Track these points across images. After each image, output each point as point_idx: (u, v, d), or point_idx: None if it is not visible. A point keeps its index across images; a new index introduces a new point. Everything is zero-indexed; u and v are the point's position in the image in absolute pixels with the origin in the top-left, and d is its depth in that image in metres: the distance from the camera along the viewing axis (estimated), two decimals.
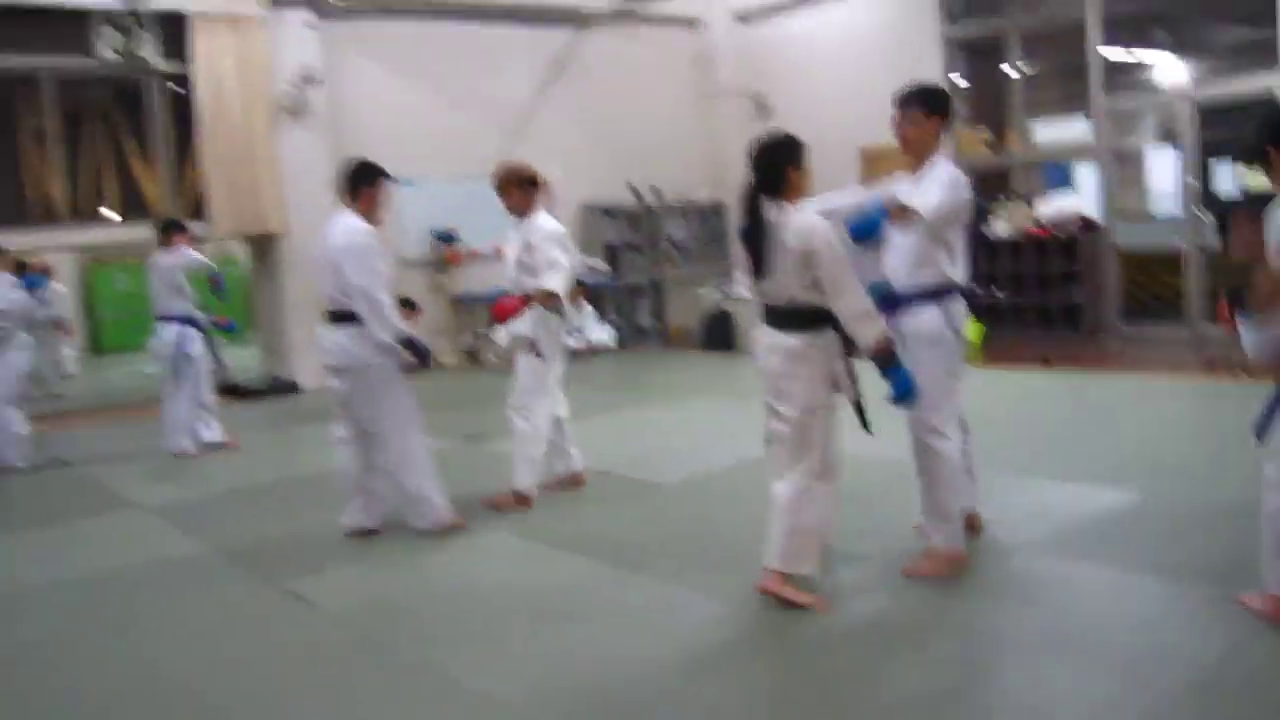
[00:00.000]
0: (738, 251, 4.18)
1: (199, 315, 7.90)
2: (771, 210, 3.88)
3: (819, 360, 3.89)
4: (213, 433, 7.99)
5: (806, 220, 3.82)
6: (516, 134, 12.63)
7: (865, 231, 3.95)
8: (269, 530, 5.67)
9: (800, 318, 3.88)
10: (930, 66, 11.90)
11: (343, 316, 5.09)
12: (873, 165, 12.46)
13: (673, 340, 13.30)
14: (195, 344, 7.82)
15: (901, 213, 3.97)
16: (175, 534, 5.75)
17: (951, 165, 4.20)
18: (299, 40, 10.84)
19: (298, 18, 10.86)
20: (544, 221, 5.59)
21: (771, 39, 13.69)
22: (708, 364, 11.09)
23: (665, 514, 5.49)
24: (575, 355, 11.66)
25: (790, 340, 3.89)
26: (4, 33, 9.60)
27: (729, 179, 13.97)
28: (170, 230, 7.96)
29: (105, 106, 12.28)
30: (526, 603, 4.34)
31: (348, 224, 5.14)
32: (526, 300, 5.44)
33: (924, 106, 4.21)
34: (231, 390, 10.38)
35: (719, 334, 11.79)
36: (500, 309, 5.42)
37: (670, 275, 13.70)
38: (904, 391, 3.86)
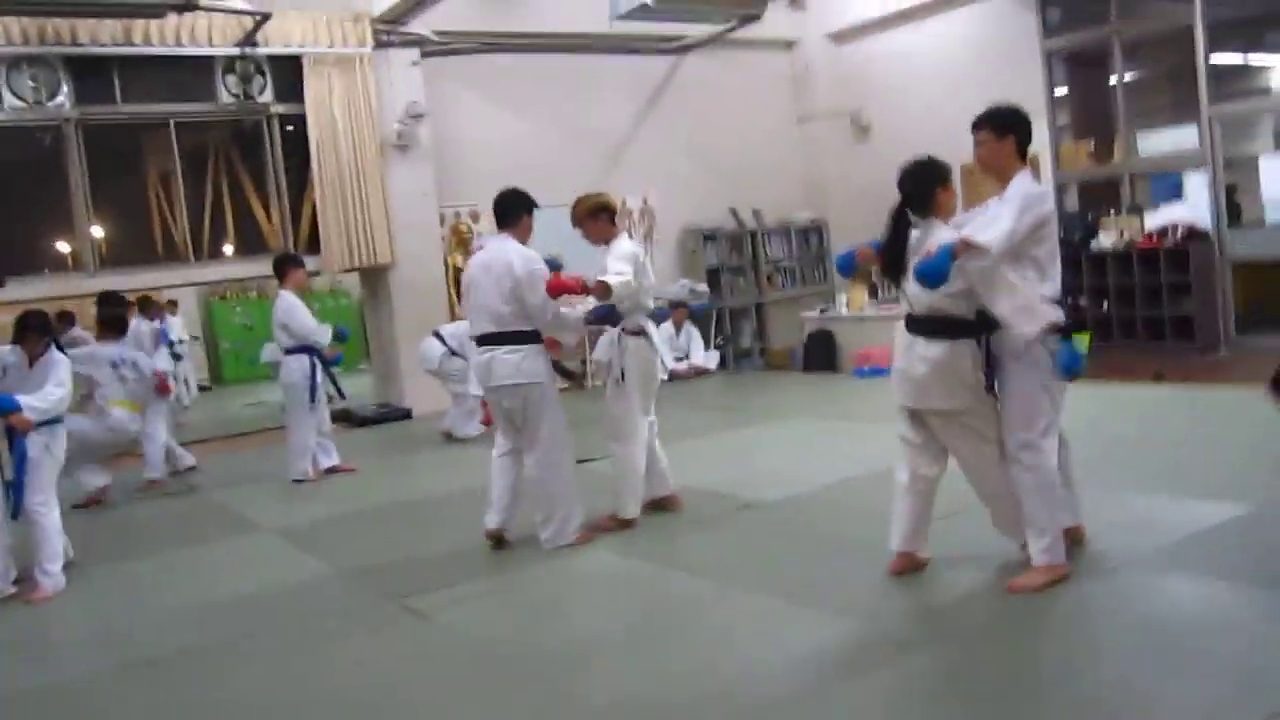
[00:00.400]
0: (878, 265, 4.51)
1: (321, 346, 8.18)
2: (920, 226, 4.28)
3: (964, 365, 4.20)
4: (331, 458, 8.29)
5: (952, 236, 4.11)
6: (617, 161, 12.86)
7: (932, 274, 4.07)
8: (386, 550, 5.89)
9: (940, 326, 4.21)
10: (1031, 80, 11.79)
11: (513, 337, 5.40)
12: (974, 184, 12.36)
13: (774, 361, 13.33)
14: (318, 373, 8.11)
15: (967, 248, 4.03)
16: (301, 555, 6.02)
17: (1028, 182, 4.23)
18: (405, 77, 11.21)
19: (404, 56, 11.24)
20: (620, 243, 5.71)
21: (867, 58, 13.69)
22: (808, 384, 11.09)
23: (769, 532, 5.55)
24: (678, 378, 11.90)
25: (934, 348, 4.22)
26: (134, 80, 10.13)
27: (828, 199, 14.03)
28: (284, 265, 8.26)
29: (224, 148, 12.81)
30: (640, 619, 4.47)
31: (518, 250, 5.44)
32: (584, 288, 5.46)
33: (994, 128, 4.30)
34: (346, 417, 10.74)
35: (820, 354, 11.77)
36: (554, 285, 5.39)
37: (771, 297, 13.75)
38: (1068, 364, 4.13)
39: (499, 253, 5.48)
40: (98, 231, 10.96)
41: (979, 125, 4.35)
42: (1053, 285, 4.24)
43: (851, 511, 5.72)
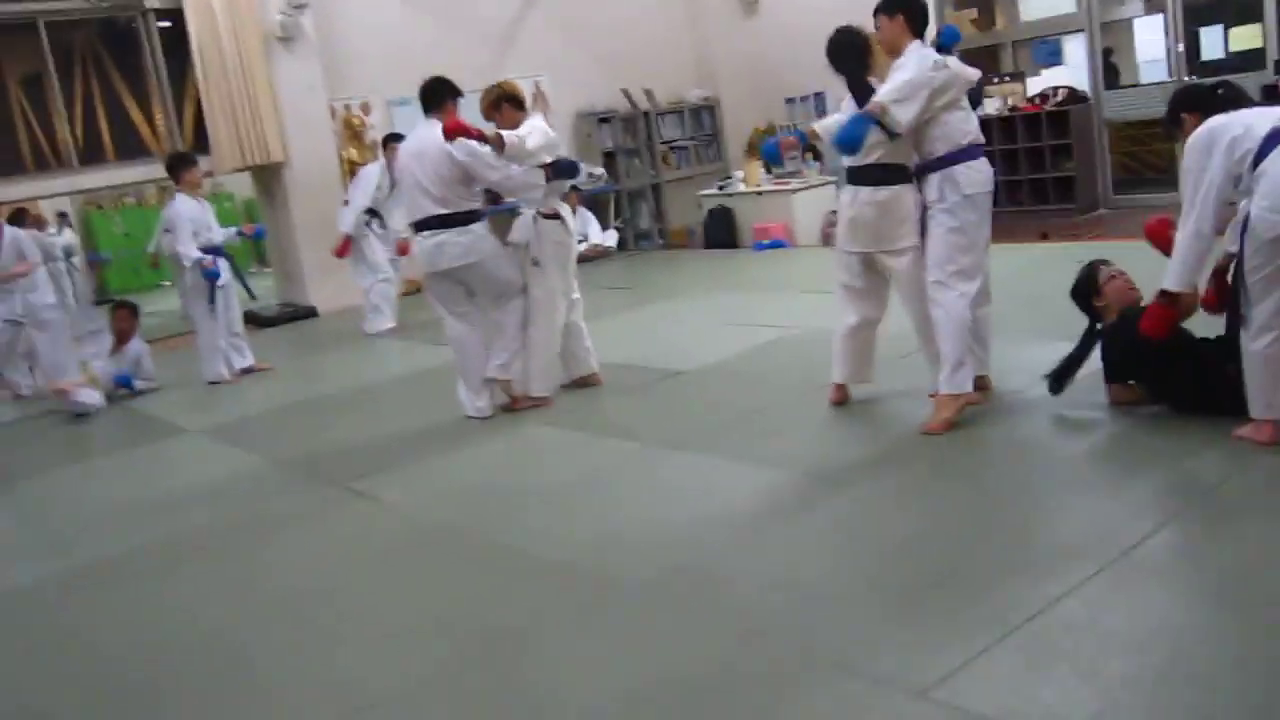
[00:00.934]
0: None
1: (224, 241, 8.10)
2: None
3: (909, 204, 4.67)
4: (246, 359, 8.26)
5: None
6: (506, 47, 12.69)
7: (847, 142, 4.47)
8: (320, 442, 5.98)
9: (884, 173, 4.63)
10: None
11: (459, 219, 5.61)
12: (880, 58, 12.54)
13: (674, 240, 13.50)
14: (225, 274, 8.03)
15: (882, 111, 4.40)
16: (234, 450, 6.07)
17: (917, 48, 4.56)
18: None
19: None
20: (531, 121, 5.72)
21: None
22: (710, 260, 11.31)
23: (694, 398, 5.79)
24: (580, 259, 12.00)
25: (881, 193, 4.65)
26: None
27: (719, 77, 14.07)
28: (179, 167, 8.04)
29: (94, 48, 12.27)
30: (580, 482, 4.67)
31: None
32: (483, 136, 5.36)
33: (885, 9, 4.61)
34: (251, 319, 10.61)
35: (719, 231, 11.97)
36: (452, 125, 5.32)
37: (667, 176, 13.84)
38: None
39: (430, 139, 5.52)
40: None
41: (875, 10, 4.67)
42: (968, 133, 4.67)
43: (769, 374, 5.99)
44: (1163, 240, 4.12)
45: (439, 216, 5.59)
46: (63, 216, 14.03)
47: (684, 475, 4.55)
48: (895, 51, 4.59)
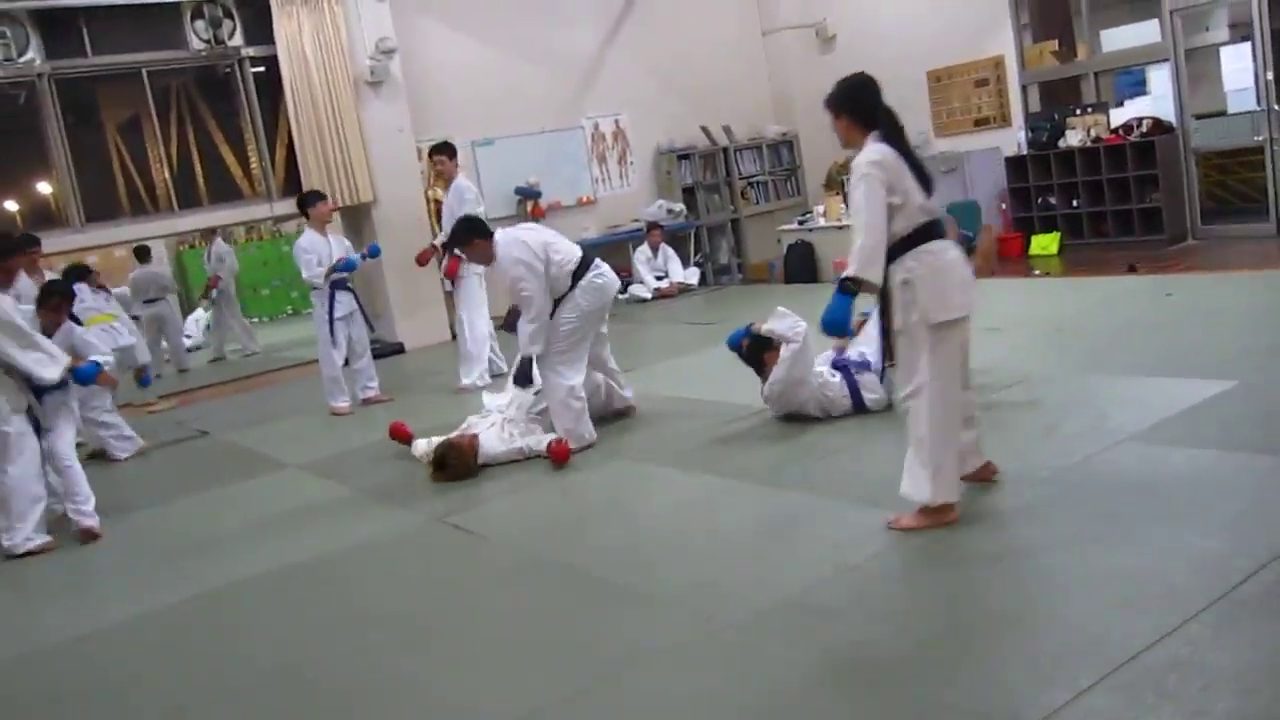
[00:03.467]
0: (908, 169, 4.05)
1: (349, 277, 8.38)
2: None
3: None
4: (370, 390, 8.59)
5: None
6: (587, 85, 12.94)
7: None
8: (416, 476, 6.13)
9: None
10: None
11: None
12: (941, 89, 12.56)
13: (754, 275, 13.56)
14: (348, 305, 8.35)
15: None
16: (331, 484, 6.26)
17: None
18: (373, 12, 11.19)
19: None
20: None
21: None
22: (791, 295, 11.30)
23: (777, 435, 5.82)
24: (662, 296, 12.14)
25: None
26: (103, 31, 10.10)
27: (796, 112, 14.16)
28: (308, 202, 8.38)
29: (190, 94, 12.74)
30: (672, 518, 4.73)
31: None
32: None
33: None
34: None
35: (800, 265, 12.01)
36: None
37: (746, 212, 13.94)
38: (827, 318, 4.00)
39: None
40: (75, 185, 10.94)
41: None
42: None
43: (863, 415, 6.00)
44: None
45: None
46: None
47: (786, 513, 4.59)
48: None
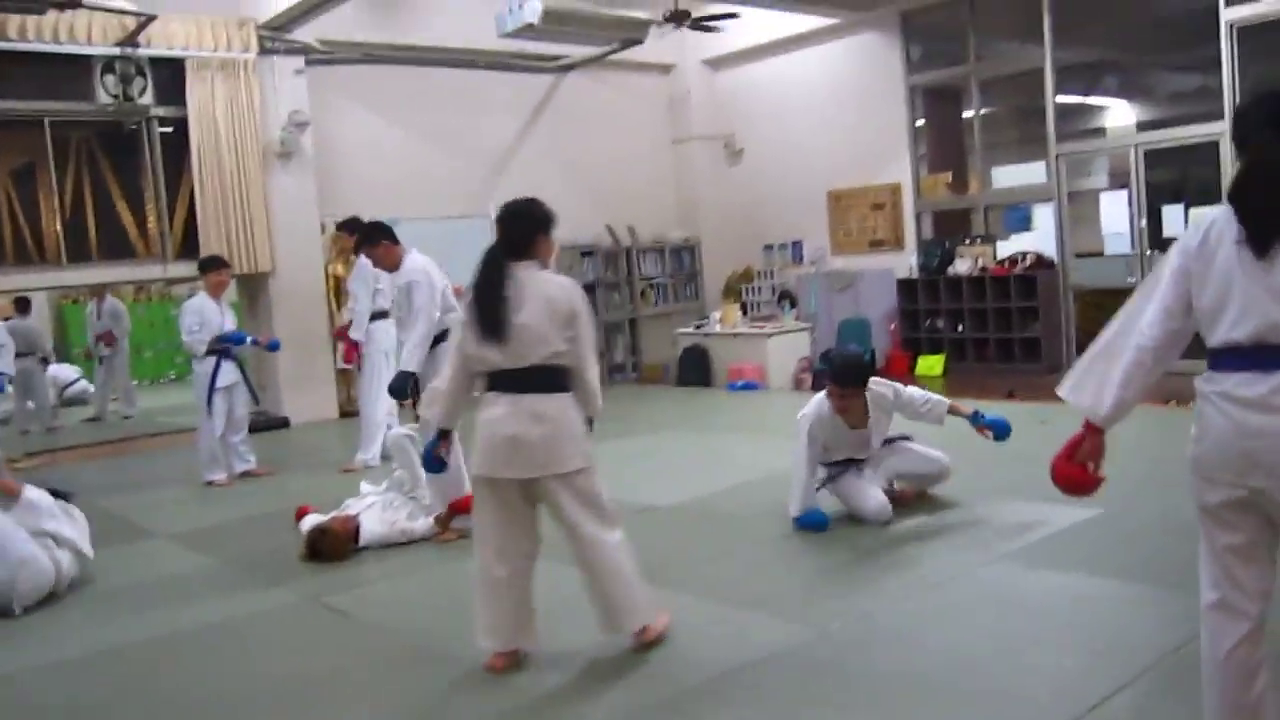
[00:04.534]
0: (470, 314, 3.91)
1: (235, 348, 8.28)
2: (521, 270, 3.84)
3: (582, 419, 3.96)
4: (247, 462, 8.40)
5: (566, 280, 3.94)
6: (497, 176, 13.06)
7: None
8: (285, 549, 5.97)
9: (558, 377, 3.85)
10: (895, 112, 12.50)
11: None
12: (840, 209, 13.02)
13: (648, 375, 13.69)
14: (232, 375, 8.21)
15: None
16: (201, 558, 6.05)
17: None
18: (289, 85, 11.20)
19: (288, 63, 11.23)
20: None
21: (741, 84, 14.25)
22: (684, 397, 11.48)
23: (671, 534, 5.85)
24: None
25: (553, 400, 3.83)
26: (7, 75, 9.91)
27: (700, 219, 14.51)
28: (208, 268, 8.33)
29: (91, 149, 12.50)
30: (554, 612, 4.69)
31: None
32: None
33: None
34: None
35: (694, 369, 12.19)
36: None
37: (645, 312, 14.12)
38: None
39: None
40: None
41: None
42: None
43: (747, 513, 6.07)
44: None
45: None
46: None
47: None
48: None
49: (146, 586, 5.58)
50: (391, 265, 6.39)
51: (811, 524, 5.47)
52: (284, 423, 11.03)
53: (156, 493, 8.24)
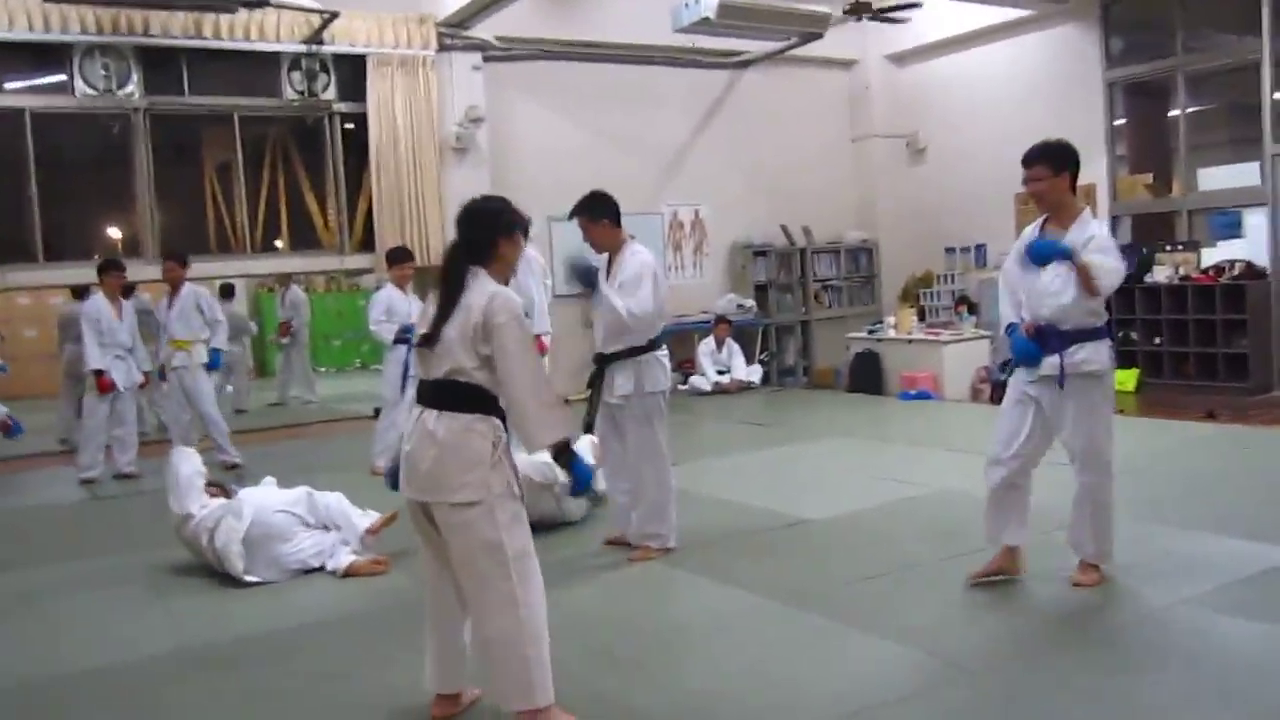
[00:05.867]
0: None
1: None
2: (472, 278, 3.42)
3: (488, 445, 3.35)
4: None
5: (500, 290, 3.39)
6: (671, 173, 12.93)
7: (1046, 256, 4.37)
8: None
9: (462, 396, 3.36)
10: (1091, 110, 11.74)
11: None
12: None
13: (818, 380, 13.31)
14: (411, 365, 8.30)
15: (1085, 276, 4.30)
16: None
17: (1105, 228, 4.56)
18: (466, 81, 11.32)
19: (466, 60, 11.35)
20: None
21: (925, 80, 13.69)
22: (853, 404, 11.07)
23: (819, 551, 5.53)
24: (722, 391, 11.91)
25: (450, 420, 3.34)
26: (202, 72, 10.36)
27: (878, 220, 14.02)
28: (393, 260, 8.46)
29: (283, 143, 12.97)
30: (688, 629, 4.47)
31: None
32: None
33: (1050, 163, 4.47)
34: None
35: (865, 375, 11.74)
36: None
37: (818, 315, 13.74)
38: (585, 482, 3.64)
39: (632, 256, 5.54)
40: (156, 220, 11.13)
41: (1033, 160, 4.51)
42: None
43: (902, 532, 5.71)
44: None
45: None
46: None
47: (798, 637, 4.30)
48: (1055, 209, 4.55)
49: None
50: (615, 245, 5.53)
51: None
52: None
53: (321, 478, 8.34)
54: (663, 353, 5.54)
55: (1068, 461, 4.61)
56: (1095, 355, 4.45)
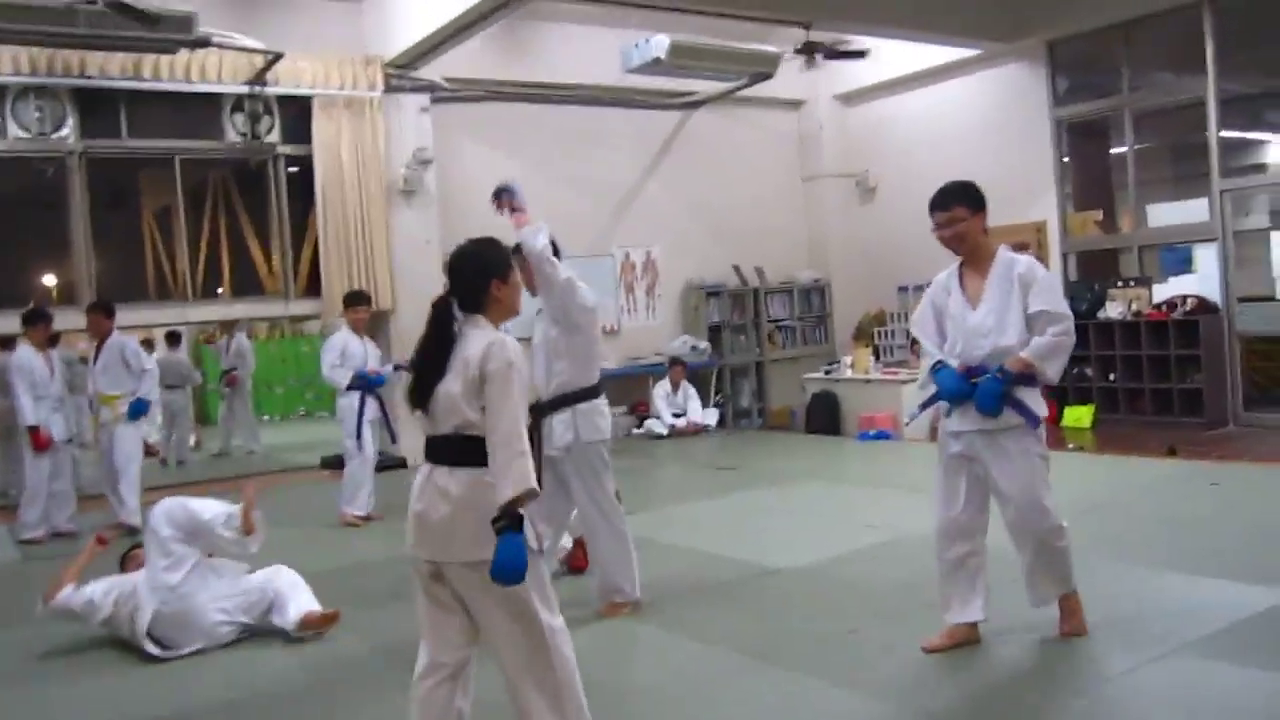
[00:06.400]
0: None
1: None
2: (468, 327, 3.28)
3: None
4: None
5: (497, 338, 3.23)
6: (622, 214, 12.80)
7: (996, 400, 4.20)
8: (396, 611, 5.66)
9: (473, 450, 3.17)
10: (1040, 147, 11.82)
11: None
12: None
13: (774, 421, 13.17)
14: (366, 411, 8.17)
15: (1042, 372, 4.20)
16: None
17: (1031, 261, 4.39)
18: (414, 123, 11.14)
19: (414, 101, 11.17)
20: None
21: (875, 120, 13.73)
22: (812, 446, 10.93)
23: (794, 602, 5.33)
24: (677, 434, 11.73)
25: (462, 475, 3.19)
26: (141, 114, 10.07)
27: (831, 260, 13.99)
28: (351, 303, 8.35)
29: (225, 187, 12.70)
30: (661, 689, 4.25)
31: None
32: None
33: (969, 203, 4.35)
34: (337, 464, 10.50)
35: (822, 416, 11.62)
36: None
37: (772, 355, 13.63)
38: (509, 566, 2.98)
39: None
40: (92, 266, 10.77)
41: (951, 201, 4.37)
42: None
43: (873, 581, 5.54)
44: None
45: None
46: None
47: (773, 694, 4.09)
48: (973, 250, 4.38)
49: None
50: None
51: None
52: (402, 463, 10.84)
53: (272, 532, 8.05)
54: (602, 400, 5.31)
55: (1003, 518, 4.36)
56: (1029, 401, 4.26)
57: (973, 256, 4.38)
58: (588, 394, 5.22)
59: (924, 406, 4.55)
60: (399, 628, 5.09)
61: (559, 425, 5.18)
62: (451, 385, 3.19)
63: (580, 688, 3.22)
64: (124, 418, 8.27)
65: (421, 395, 3.24)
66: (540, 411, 5.14)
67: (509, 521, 2.99)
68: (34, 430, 8.08)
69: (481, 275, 3.31)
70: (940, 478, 4.44)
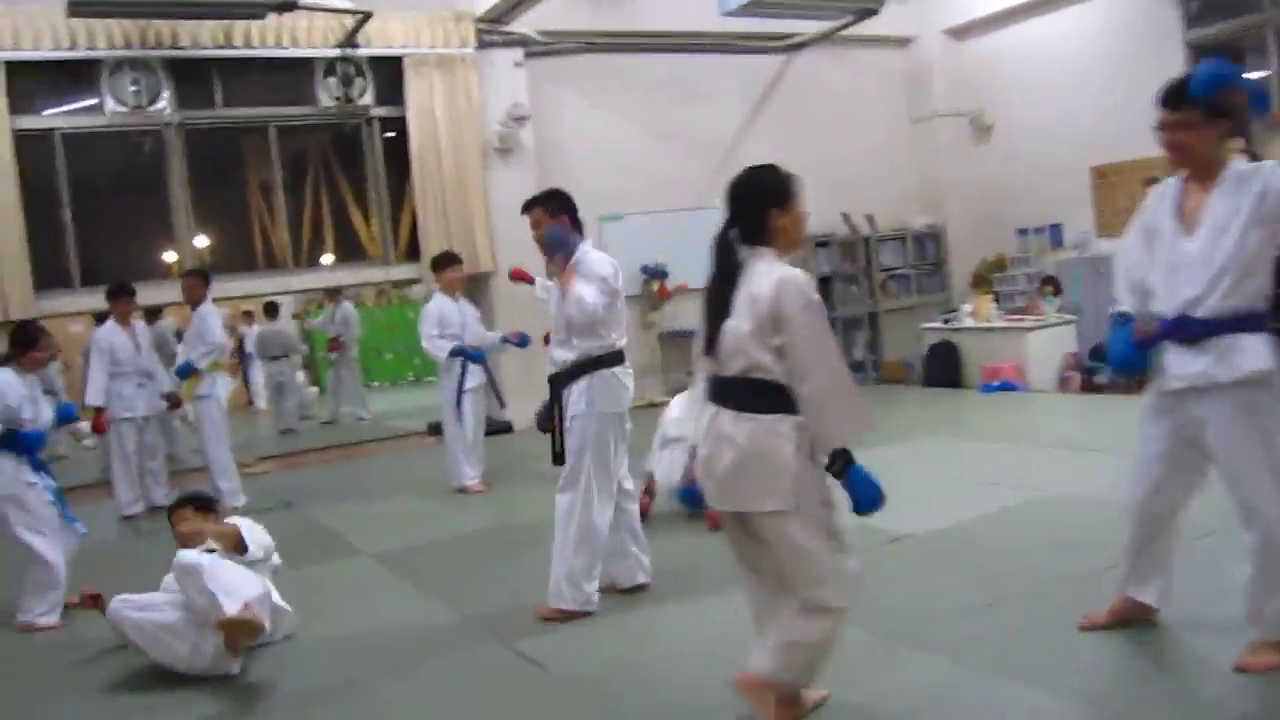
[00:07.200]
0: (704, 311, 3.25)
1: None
2: (753, 259, 3.17)
3: (793, 448, 3.08)
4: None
5: (785, 273, 3.10)
6: (724, 166, 12.32)
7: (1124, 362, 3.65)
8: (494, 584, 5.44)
9: (760, 394, 3.09)
10: (1171, 73, 10.93)
11: None
12: (1107, 187, 11.58)
13: (889, 374, 12.67)
14: (476, 378, 7.98)
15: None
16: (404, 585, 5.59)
17: (1269, 161, 3.38)
18: (508, 79, 10.87)
19: (507, 56, 10.89)
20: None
21: (988, 54, 12.98)
22: (932, 400, 10.44)
23: (926, 573, 4.94)
24: None
25: (747, 422, 3.10)
26: (234, 83, 10.01)
27: (945, 204, 13.35)
28: (439, 265, 8.10)
29: (323, 153, 12.60)
30: None
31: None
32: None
33: (1202, 106, 3.35)
34: (437, 430, 10.36)
35: (942, 367, 11.10)
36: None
37: (885, 305, 13.10)
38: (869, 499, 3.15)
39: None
40: (200, 240, 10.78)
41: (1178, 101, 3.39)
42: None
43: (1016, 547, 5.12)
44: None
45: None
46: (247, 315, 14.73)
47: (915, 683, 3.73)
48: (1198, 164, 3.44)
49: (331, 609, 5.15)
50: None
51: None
52: (507, 428, 10.66)
53: (380, 503, 7.95)
54: (624, 369, 4.82)
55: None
56: (1257, 352, 3.34)
57: (1199, 174, 3.48)
58: (608, 359, 4.77)
59: (1093, 354, 3.93)
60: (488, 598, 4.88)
61: (574, 393, 4.73)
62: (740, 323, 3.08)
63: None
64: (204, 396, 8.12)
65: (710, 336, 3.15)
66: (556, 383, 4.78)
67: (844, 460, 3.06)
68: (98, 411, 7.82)
69: (759, 204, 3.20)
70: (1139, 429, 3.70)
